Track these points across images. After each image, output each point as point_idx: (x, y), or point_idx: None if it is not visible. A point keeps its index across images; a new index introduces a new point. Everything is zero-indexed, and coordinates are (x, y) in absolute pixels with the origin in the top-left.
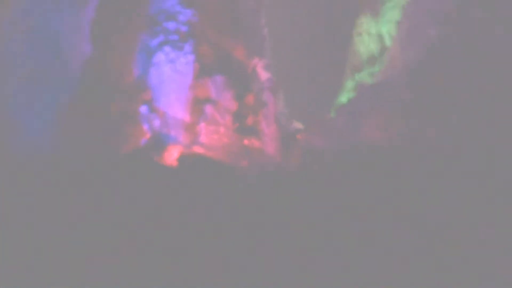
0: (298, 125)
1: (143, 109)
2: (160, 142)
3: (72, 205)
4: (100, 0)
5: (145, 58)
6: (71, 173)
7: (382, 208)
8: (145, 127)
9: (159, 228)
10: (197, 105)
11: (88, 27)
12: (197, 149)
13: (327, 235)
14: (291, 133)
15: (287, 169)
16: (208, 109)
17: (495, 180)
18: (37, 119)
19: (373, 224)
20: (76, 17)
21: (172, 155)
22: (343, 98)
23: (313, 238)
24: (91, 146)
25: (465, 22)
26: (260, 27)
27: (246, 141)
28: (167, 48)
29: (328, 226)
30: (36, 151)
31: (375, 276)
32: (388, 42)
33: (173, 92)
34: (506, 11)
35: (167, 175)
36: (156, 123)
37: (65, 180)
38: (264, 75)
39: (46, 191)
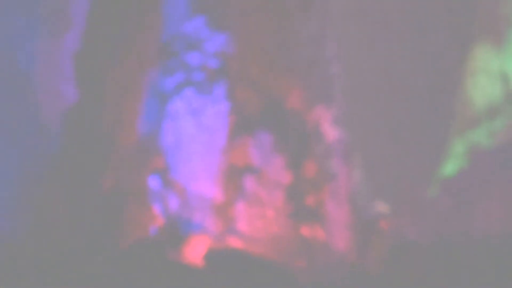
0: (381, 207)
1: (154, 182)
2: (178, 230)
3: None
4: (87, 23)
5: (155, 107)
6: (44, 275)
7: None
8: (157, 208)
9: None
10: (233, 176)
11: (71, 62)
12: (233, 242)
13: None
14: (371, 220)
15: (365, 272)
16: (249, 182)
17: None
18: None
19: None
20: (53, 48)
21: (196, 250)
22: (449, 168)
23: None
24: (75, 236)
25: None
26: (327, 62)
27: (304, 230)
28: (188, 92)
29: None
30: None
31: None
32: None
33: (198, 158)
34: None
35: (188, 279)
36: (173, 202)
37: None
38: (332, 133)
39: None
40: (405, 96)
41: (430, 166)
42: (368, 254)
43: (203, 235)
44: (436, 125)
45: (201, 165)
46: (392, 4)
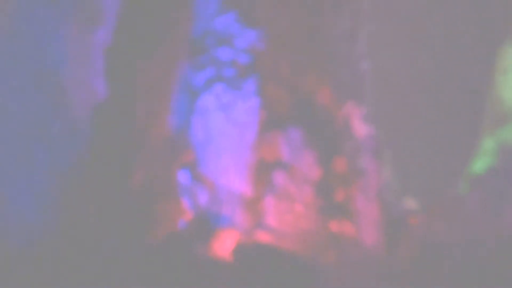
0: (411, 204)
1: (183, 176)
2: (207, 225)
3: None
4: (118, 18)
5: (185, 102)
6: (75, 269)
7: None
8: (186, 202)
9: None
10: (263, 171)
11: (102, 57)
12: (262, 236)
13: None
14: (400, 216)
15: (393, 268)
16: (279, 177)
17: None
18: (27, 190)
19: None
20: (83, 43)
21: (224, 244)
22: (479, 165)
23: None
24: (106, 230)
25: None
26: (357, 59)
27: (333, 226)
28: (218, 88)
29: None
30: (25, 236)
31: None
32: None
33: (227, 153)
34: None
35: (217, 274)
36: (202, 197)
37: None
38: (361, 129)
39: None
40: (435, 93)
41: (460, 163)
42: (397, 250)
43: (232, 230)
44: (466, 123)
45: (230, 160)
46: (423, 2)
